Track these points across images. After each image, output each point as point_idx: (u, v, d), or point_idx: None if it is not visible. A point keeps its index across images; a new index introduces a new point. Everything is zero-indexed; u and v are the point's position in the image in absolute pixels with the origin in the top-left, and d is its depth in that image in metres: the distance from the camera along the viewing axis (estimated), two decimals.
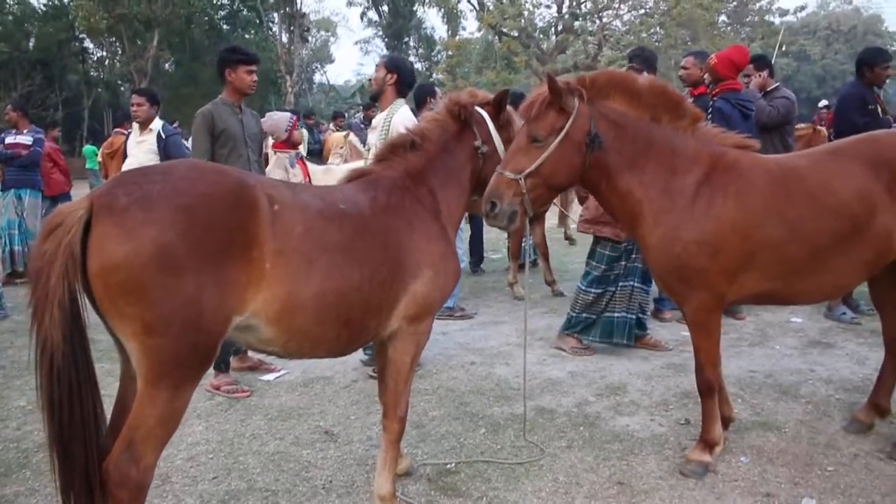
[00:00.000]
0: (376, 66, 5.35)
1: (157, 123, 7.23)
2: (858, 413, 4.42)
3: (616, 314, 5.87)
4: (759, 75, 7.10)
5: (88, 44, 41.81)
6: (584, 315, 5.93)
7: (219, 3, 43.26)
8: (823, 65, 57.68)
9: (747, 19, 38.60)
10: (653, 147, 3.68)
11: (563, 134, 3.53)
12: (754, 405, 4.80)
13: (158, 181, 2.58)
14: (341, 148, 9.95)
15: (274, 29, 40.31)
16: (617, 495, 3.68)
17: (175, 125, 16.89)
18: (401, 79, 5.29)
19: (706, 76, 6.56)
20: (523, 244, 8.76)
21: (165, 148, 6.98)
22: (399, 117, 5.07)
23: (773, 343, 6.23)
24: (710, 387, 3.86)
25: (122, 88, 44.20)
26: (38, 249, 2.50)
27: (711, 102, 6.33)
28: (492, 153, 3.64)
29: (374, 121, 5.43)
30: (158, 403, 2.58)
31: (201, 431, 4.56)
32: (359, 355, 5.58)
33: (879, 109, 6.48)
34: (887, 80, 6.62)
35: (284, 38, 38.85)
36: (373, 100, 5.58)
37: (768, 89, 7.08)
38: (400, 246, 3.18)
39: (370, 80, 5.43)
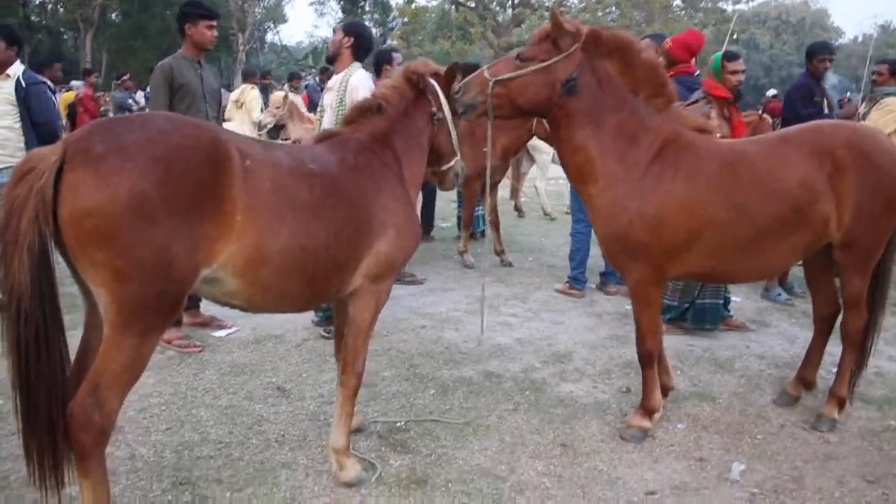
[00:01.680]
0: (334, 29, 5.40)
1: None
2: (787, 386, 4.68)
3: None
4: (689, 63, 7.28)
5: None
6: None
7: None
8: (771, 54, 58.88)
9: (701, 5, 39.09)
10: (620, 114, 3.82)
11: (542, 65, 3.72)
12: (692, 377, 5.03)
13: (135, 131, 2.61)
14: (277, 108, 9.76)
15: None
16: (560, 456, 3.86)
17: (126, 78, 16.57)
18: (357, 43, 5.35)
19: (661, 59, 6.71)
20: (476, 213, 8.91)
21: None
22: (355, 79, 5.13)
23: None
24: (650, 356, 4.05)
25: (66, 37, 42.84)
26: (10, 194, 2.52)
27: None
28: (443, 120, 3.77)
29: (329, 82, 5.47)
30: (125, 349, 2.63)
31: (153, 384, 4.58)
32: (309, 315, 5.65)
33: (825, 103, 6.75)
34: (825, 72, 6.87)
35: None
36: (329, 62, 5.62)
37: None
38: (366, 206, 3.26)
39: (327, 44, 5.48)
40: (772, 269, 4.18)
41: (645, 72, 3.83)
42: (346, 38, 5.32)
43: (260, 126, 9.77)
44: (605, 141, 3.80)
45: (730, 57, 5.93)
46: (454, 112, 3.81)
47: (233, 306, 3.14)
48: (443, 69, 3.82)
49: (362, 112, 3.54)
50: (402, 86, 3.66)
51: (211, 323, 5.69)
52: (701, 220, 3.78)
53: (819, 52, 6.87)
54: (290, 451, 3.80)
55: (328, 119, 5.20)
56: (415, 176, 3.66)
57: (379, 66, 6.81)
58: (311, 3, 52.30)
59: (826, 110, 6.72)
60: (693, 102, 5.70)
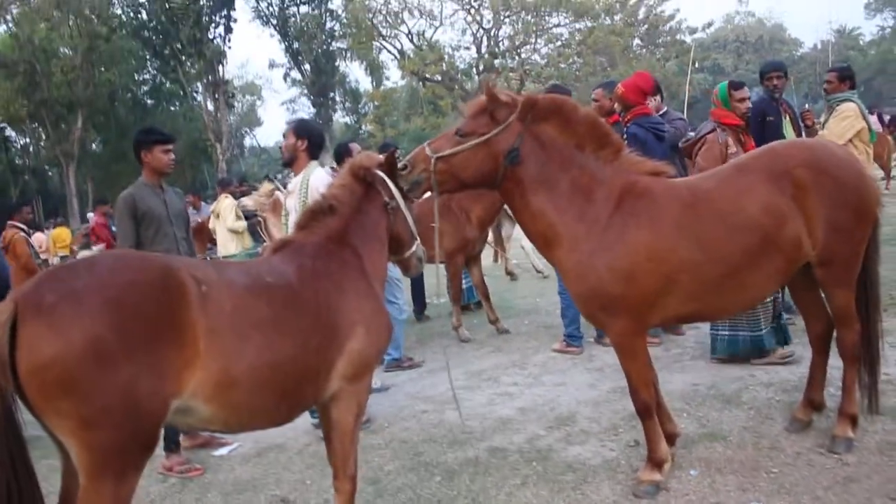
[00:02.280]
0: (285, 133, 5.48)
1: None
2: (797, 412, 4.58)
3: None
4: (654, 100, 7.37)
5: (10, 132, 41.15)
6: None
7: (140, 78, 43.06)
8: (737, 76, 59.67)
9: (660, 40, 39.93)
10: (571, 173, 3.82)
11: (482, 138, 3.74)
12: (699, 417, 4.93)
13: (84, 276, 2.61)
14: (262, 196, 9.94)
15: (199, 99, 40.19)
16: None
17: (108, 207, 16.76)
18: (312, 142, 5.45)
19: (616, 105, 6.79)
20: (463, 286, 8.88)
21: None
22: (315, 179, 5.19)
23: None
24: (647, 407, 3.97)
25: (50, 174, 43.52)
26: None
27: (625, 129, 6.55)
28: (397, 208, 3.79)
29: (289, 186, 5.53)
30: (104, 495, 2.57)
31: None
32: (309, 419, 5.57)
33: (787, 119, 6.80)
34: (780, 87, 6.92)
35: (210, 107, 38.79)
36: (286, 165, 5.70)
37: (660, 112, 7.37)
38: (331, 309, 3.24)
39: (281, 147, 5.55)
40: (754, 300, 4.12)
41: (585, 127, 3.85)
42: (300, 142, 5.41)
43: (240, 207, 9.99)
44: (562, 203, 3.80)
45: (735, 86, 6.11)
46: (405, 197, 3.82)
47: (213, 431, 3.09)
48: (382, 158, 3.86)
49: (314, 215, 3.55)
50: (349, 182, 3.68)
51: (212, 442, 5.60)
52: (672, 264, 3.74)
53: (767, 72, 6.98)
54: None
55: (293, 222, 5.22)
56: (378, 269, 3.65)
57: (340, 160, 6.89)
58: (283, 103, 53.39)
59: (786, 127, 6.74)
60: (707, 133, 5.82)
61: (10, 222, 9.74)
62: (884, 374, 5.11)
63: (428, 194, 4.13)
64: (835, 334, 4.34)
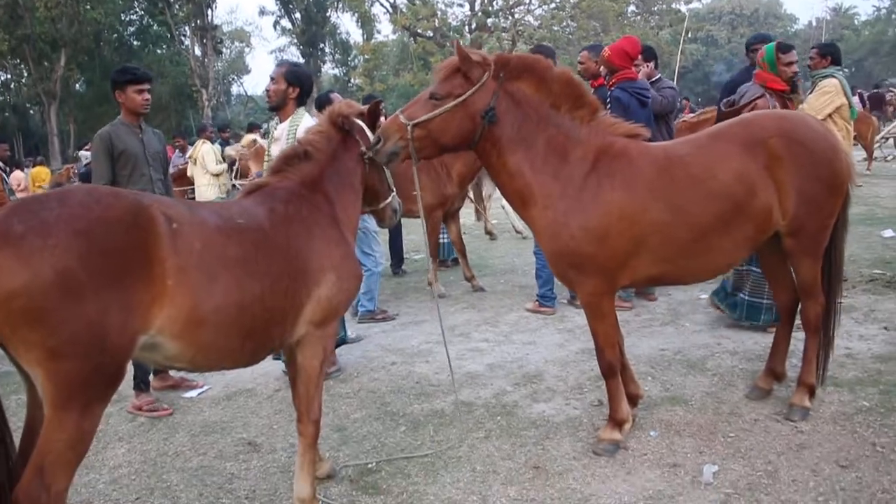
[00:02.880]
0: (273, 76, 5.31)
1: None
2: (758, 380, 4.68)
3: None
4: (647, 65, 7.36)
5: None
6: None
7: (127, 19, 42.29)
8: (731, 48, 59.60)
9: (655, 8, 39.61)
10: (547, 132, 3.83)
11: (460, 99, 3.70)
12: (664, 381, 5.01)
13: (54, 208, 2.59)
14: (243, 147, 9.87)
15: (186, 43, 39.58)
16: (532, 479, 3.82)
17: (88, 147, 16.55)
18: (303, 90, 5.33)
19: (602, 68, 6.77)
20: (442, 241, 8.91)
21: None
22: (304, 128, 5.11)
23: (683, 321, 6.49)
24: (611, 368, 4.03)
25: (32, 112, 42.87)
26: None
27: (610, 92, 6.54)
28: (374, 160, 3.78)
29: (276, 133, 5.43)
30: (67, 427, 2.59)
31: (124, 454, 4.53)
32: (280, 365, 5.61)
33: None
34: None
35: (198, 52, 38.24)
36: (272, 110, 5.57)
37: (653, 79, 7.35)
38: (301, 254, 3.25)
39: (268, 91, 5.41)
40: (722, 267, 4.17)
41: (560, 86, 3.84)
42: (291, 89, 5.28)
43: (225, 160, 9.93)
44: (538, 162, 3.80)
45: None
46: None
47: (177, 368, 3.11)
48: (365, 108, 3.84)
49: (288, 160, 3.54)
50: (327, 129, 3.67)
51: (181, 384, 5.64)
52: (644, 226, 3.78)
53: (754, 43, 6.95)
54: None
55: None
56: (350, 217, 3.66)
57: (321, 109, 6.81)
58: (272, 52, 52.70)
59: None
60: (757, 98, 5.70)
61: None
62: (846, 348, 5.27)
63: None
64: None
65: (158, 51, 42.24)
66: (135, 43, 42.54)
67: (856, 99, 12.06)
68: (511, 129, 3.78)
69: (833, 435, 4.06)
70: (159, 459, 4.41)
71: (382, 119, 3.98)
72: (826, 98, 6.65)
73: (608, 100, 6.40)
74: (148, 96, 5.20)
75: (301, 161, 3.54)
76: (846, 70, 7.09)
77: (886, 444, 3.93)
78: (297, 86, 5.26)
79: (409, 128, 3.70)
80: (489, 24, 35.53)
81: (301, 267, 3.23)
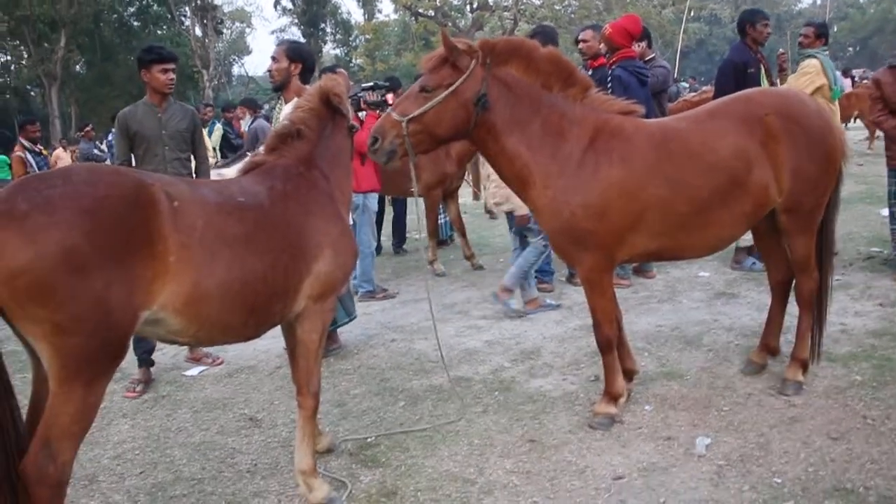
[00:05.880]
0: (274, 55, 5.29)
1: None
2: (753, 355, 4.73)
3: None
4: (640, 45, 7.35)
5: None
6: None
7: None
8: (733, 27, 59.06)
9: None
10: (541, 113, 3.85)
11: (451, 89, 3.71)
12: (660, 357, 5.07)
13: (58, 185, 2.64)
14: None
15: (186, 23, 39.43)
16: (528, 452, 3.89)
17: (89, 128, 16.57)
18: (305, 67, 5.32)
19: (602, 46, 6.77)
20: (440, 221, 8.95)
21: None
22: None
23: (681, 297, 6.54)
24: (608, 342, 4.09)
25: (33, 94, 42.78)
26: None
27: (610, 71, 6.55)
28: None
29: (282, 113, 5.37)
30: (73, 401, 2.65)
31: (127, 430, 4.61)
32: (282, 343, 5.65)
33: (763, 70, 6.79)
34: (766, 38, 6.91)
35: (198, 32, 38.11)
36: (276, 90, 5.55)
37: (646, 59, 7.35)
38: (300, 231, 3.30)
39: (270, 70, 5.39)
40: (720, 242, 4.21)
41: (549, 65, 3.86)
42: (294, 66, 5.26)
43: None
44: (535, 143, 3.83)
45: None
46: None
47: (180, 343, 3.17)
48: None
49: (283, 139, 3.58)
50: (317, 106, 3.69)
51: (200, 359, 5.72)
52: (643, 201, 3.82)
53: (756, 20, 6.83)
54: (262, 480, 3.82)
55: None
56: (344, 193, 3.72)
57: None
58: (273, 32, 52.48)
59: (762, 78, 6.72)
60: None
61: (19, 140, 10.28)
62: (841, 324, 5.32)
63: None
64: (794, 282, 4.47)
65: (159, 31, 42.00)
66: (135, 23, 42.34)
67: (848, 81, 12.03)
68: (504, 113, 3.81)
69: (825, 408, 4.12)
70: (162, 435, 4.49)
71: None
72: (805, 79, 6.68)
73: (609, 79, 6.42)
74: (172, 76, 5.26)
75: (294, 139, 3.58)
76: (852, 48, 7.06)
77: (877, 416, 3.98)
78: (299, 62, 5.26)
79: (403, 124, 3.72)
80: (490, 3, 35.33)
81: (300, 243, 3.28)
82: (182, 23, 39.73)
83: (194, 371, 5.57)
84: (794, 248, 4.26)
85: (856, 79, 20.11)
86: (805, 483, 3.41)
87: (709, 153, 3.89)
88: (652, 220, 3.87)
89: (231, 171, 7.10)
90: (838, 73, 9.07)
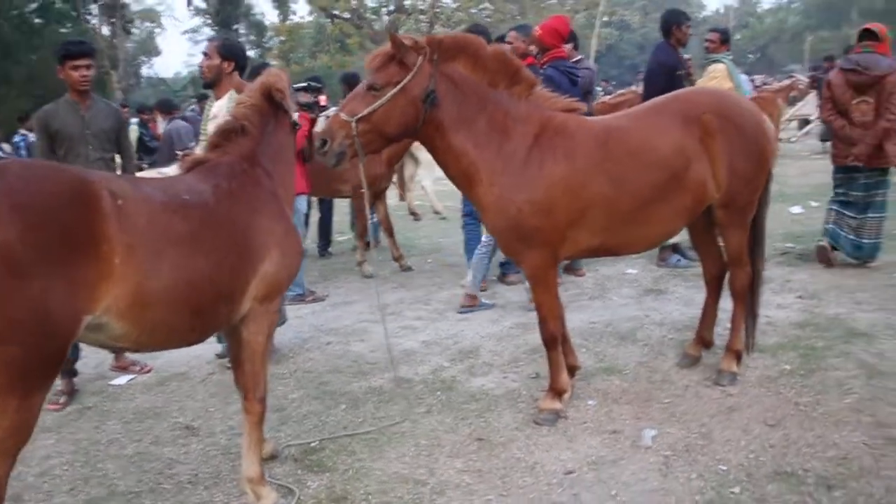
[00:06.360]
0: (206, 52, 5.14)
1: None
2: (688, 348, 4.85)
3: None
4: (567, 47, 7.44)
5: None
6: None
7: None
8: (643, 33, 60.94)
9: None
10: (487, 110, 3.85)
11: (399, 87, 3.66)
12: (597, 352, 5.14)
13: None
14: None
15: (93, 21, 38.01)
16: (477, 450, 3.87)
17: None
18: (238, 64, 5.19)
19: (532, 47, 6.82)
20: (370, 222, 8.86)
21: None
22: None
23: (611, 294, 6.65)
24: (553, 338, 4.12)
25: None
26: None
27: (541, 71, 6.61)
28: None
29: (212, 111, 5.23)
30: (8, 413, 2.50)
31: (53, 444, 4.37)
32: (213, 349, 5.50)
33: (685, 73, 6.99)
34: (687, 39, 7.13)
35: (105, 31, 36.79)
36: (206, 87, 5.37)
37: (573, 60, 7.46)
38: (246, 230, 3.20)
39: (201, 67, 5.23)
40: (660, 237, 4.30)
41: (495, 63, 3.87)
42: (227, 64, 5.13)
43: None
44: (481, 140, 3.83)
45: None
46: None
47: (121, 349, 3.03)
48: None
49: (226, 135, 3.47)
50: (260, 102, 3.59)
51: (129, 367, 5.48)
52: (587, 198, 3.87)
53: (682, 22, 7.05)
54: (205, 490, 3.68)
55: None
56: (288, 191, 3.63)
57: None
58: (185, 33, 51.18)
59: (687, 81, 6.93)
60: None
61: None
62: (766, 317, 5.49)
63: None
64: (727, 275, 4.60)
65: (62, 29, 40.28)
66: (36, 21, 40.52)
67: (751, 84, 12.60)
68: (452, 110, 3.79)
69: (760, 397, 4.25)
70: (91, 448, 4.28)
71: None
72: (714, 83, 6.94)
73: (540, 78, 6.46)
74: (86, 73, 4.98)
75: (238, 136, 3.47)
76: (751, 55, 7.41)
77: (808, 402, 4.14)
78: (231, 59, 5.12)
79: (353, 124, 3.65)
80: (406, 6, 35.31)
81: (247, 243, 3.18)
82: (88, 21, 38.27)
83: (122, 380, 5.33)
84: (729, 243, 4.39)
85: (757, 84, 20.96)
86: (748, 469, 3.51)
87: (650, 150, 3.96)
88: (596, 217, 3.91)
89: (172, 171, 6.88)
90: (744, 77, 9.47)
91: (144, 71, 53.61)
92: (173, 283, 2.82)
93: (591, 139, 3.91)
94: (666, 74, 6.68)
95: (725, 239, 4.39)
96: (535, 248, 3.92)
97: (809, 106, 18.43)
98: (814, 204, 10.17)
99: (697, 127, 4.03)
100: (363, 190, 4.52)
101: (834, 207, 6.95)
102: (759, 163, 4.20)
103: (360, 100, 3.73)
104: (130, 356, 5.48)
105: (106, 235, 2.62)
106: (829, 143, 7.68)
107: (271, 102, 3.65)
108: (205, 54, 5.14)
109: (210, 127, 5.20)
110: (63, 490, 3.81)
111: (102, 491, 3.77)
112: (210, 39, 5.29)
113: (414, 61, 3.71)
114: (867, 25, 6.75)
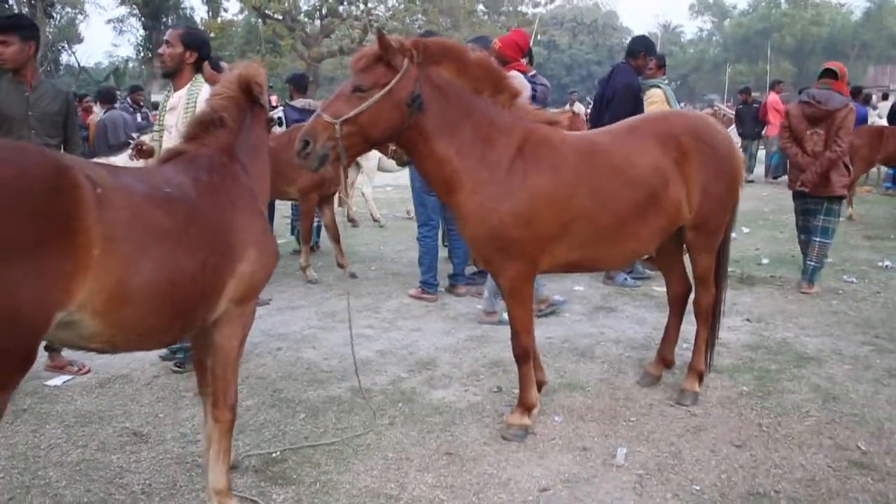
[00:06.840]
0: (168, 39, 4.90)
1: None
2: (649, 367, 4.87)
3: None
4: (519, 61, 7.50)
5: None
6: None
7: None
8: (571, 54, 62.26)
9: (503, 9, 40.52)
10: (472, 117, 3.76)
11: (386, 89, 3.54)
12: (557, 368, 5.11)
13: None
14: None
15: (11, 2, 36.38)
16: (447, 465, 3.77)
17: None
18: (201, 55, 4.94)
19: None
20: (314, 225, 8.68)
21: None
22: (205, 95, 4.76)
23: (563, 311, 6.64)
24: (525, 353, 4.06)
25: None
26: None
27: None
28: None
29: (171, 101, 4.99)
30: None
31: None
32: (157, 351, 5.23)
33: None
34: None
35: (25, 13, 35.22)
36: (166, 76, 5.11)
37: (529, 75, 7.50)
38: (227, 227, 3.03)
39: (161, 54, 4.97)
40: (634, 255, 4.31)
41: (480, 70, 3.80)
42: (189, 53, 4.87)
43: None
44: (464, 147, 3.74)
45: None
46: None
47: (90, 349, 2.80)
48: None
49: (204, 126, 3.28)
50: (237, 95, 3.42)
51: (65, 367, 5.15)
52: (570, 211, 3.83)
53: (649, 52, 7.28)
54: (160, 501, 3.47)
55: (175, 140, 4.77)
56: (263, 189, 3.48)
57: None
58: (109, 21, 49.52)
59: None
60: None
61: None
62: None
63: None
64: (692, 296, 4.64)
65: None
66: None
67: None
68: (436, 115, 3.69)
69: (723, 417, 4.29)
70: (31, 454, 3.99)
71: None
72: (654, 107, 7.11)
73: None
74: (7, 48, 4.63)
75: (217, 128, 3.29)
76: (674, 83, 7.67)
77: (770, 424, 4.20)
78: (194, 50, 4.86)
79: (337, 126, 3.51)
80: (340, 12, 35.05)
81: (227, 241, 3.00)
82: (6, 3, 36.62)
83: (57, 381, 5.01)
84: (697, 264, 4.43)
85: None
86: (722, 489, 3.52)
87: (630, 168, 3.96)
88: (577, 230, 3.88)
89: (120, 160, 6.55)
90: (679, 104, 9.80)
91: (64, 58, 51.62)
92: (155, 280, 2.63)
93: (575, 153, 3.88)
94: (633, 97, 6.79)
95: (694, 261, 4.43)
96: (513, 260, 3.85)
97: (732, 136, 19.00)
98: (745, 230, 10.46)
99: (674, 148, 4.06)
100: (345, 195, 4.38)
101: (802, 236, 7.32)
102: (730, 185, 4.27)
103: (345, 101, 3.58)
104: (67, 355, 5.17)
105: (84, 226, 2.39)
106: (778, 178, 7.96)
107: (248, 96, 3.49)
108: (167, 42, 4.89)
109: (168, 118, 4.97)
110: (1, 500, 3.53)
111: (47, 501, 3.50)
112: (174, 27, 5.03)
113: (400, 63, 3.60)
114: (828, 64, 7.05)
